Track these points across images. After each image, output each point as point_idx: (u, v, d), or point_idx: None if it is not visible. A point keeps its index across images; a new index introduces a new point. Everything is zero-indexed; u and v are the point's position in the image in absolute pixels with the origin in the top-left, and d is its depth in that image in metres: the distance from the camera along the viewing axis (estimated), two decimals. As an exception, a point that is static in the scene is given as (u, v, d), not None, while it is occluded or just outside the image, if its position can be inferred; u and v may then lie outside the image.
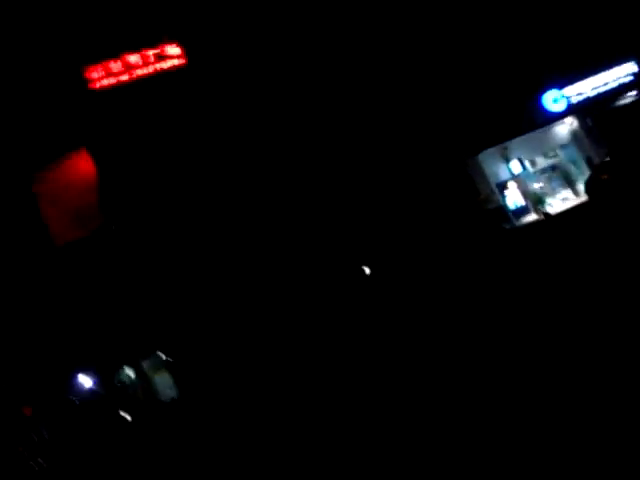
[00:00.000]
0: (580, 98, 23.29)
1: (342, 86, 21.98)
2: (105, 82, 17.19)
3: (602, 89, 23.51)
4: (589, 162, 22.87)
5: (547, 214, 22.08)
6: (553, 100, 23.08)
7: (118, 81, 17.46)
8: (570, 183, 23.64)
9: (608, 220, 11.37)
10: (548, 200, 23.03)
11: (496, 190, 22.88)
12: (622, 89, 23.81)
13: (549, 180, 23.78)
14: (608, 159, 18.33)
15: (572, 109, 23.38)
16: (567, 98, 23.18)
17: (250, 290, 20.03)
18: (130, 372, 23.53)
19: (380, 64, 22.61)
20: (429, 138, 22.59)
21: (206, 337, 20.61)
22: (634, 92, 24.39)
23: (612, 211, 12.06)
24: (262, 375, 13.41)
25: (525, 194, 23.02)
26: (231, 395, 12.82)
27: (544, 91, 23.00)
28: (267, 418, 7.09)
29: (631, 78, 23.97)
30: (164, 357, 22.36)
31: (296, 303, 18.66)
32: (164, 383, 22.90)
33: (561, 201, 23.30)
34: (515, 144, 23.09)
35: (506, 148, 23.19)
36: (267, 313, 18.26)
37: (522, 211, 22.94)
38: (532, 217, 22.81)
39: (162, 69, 17.71)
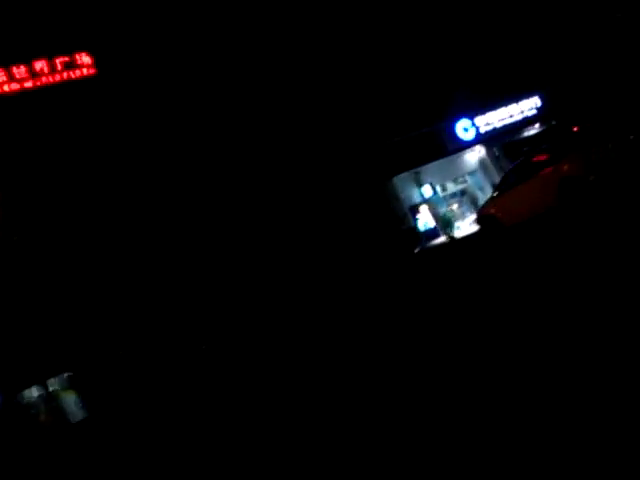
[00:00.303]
0: (488, 128, 24.51)
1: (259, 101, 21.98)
2: (6, 87, 16.25)
3: (508, 121, 24.88)
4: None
5: (452, 237, 22.98)
6: (464, 129, 24.15)
7: (22, 87, 16.57)
8: (477, 207, 24.77)
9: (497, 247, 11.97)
10: (457, 224, 23.97)
11: (409, 212, 23.58)
12: (526, 122, 25.30)
13: (459, 204, 24.79)
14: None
15: (480, 138, 24.56)
16: (476, 127, 24.32)
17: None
18: (36, 391, 22.19)
19: (296, 85, 22.83)
20: (347, 161, 23.02)
21: (117, 352, 19.85)
22: (537, 125, 26.01)
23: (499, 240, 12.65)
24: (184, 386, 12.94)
25: (435, 217, 23.86)
26: (147, 410, 12.22)
27: (456, 120, 24.03)
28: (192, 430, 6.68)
29: (535, 112, 25.53)
30: (70, 375, 21.30)
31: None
32: (72, 402, 21.78)
33: (469, 225, 24.31)
34: (427, 169, 23.94)
35: (418, 172, 23.98)
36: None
37: (432, 233, 23.74)
38: (441, 239, 23.67)
39: (70, 78, 16.97)
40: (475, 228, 22.93)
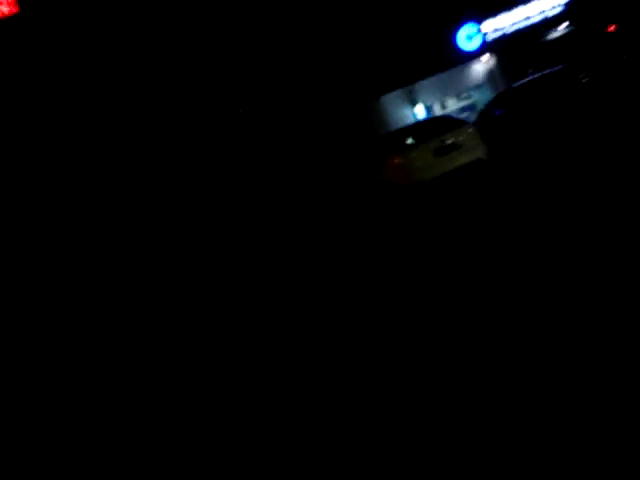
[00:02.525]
0: (497, 35, 21.40)
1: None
2: None
3: (523, 24, 21.54)
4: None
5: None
6: (467, 37, 21.21)
7: None
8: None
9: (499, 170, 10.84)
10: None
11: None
12: (546, 23, 21.83)
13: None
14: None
15: (488, 47, 21.57)
16: (483, 35, 21.30)
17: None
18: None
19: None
20: (330, 78, 20.99)
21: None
22: (565, 24, 22.43)
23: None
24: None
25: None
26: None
27: (457, 27, 21.08)
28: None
29: (558, 10, 21.90)
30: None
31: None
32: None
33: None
34: (424, 85, 21.56)
35: (412, 91, 21.67)
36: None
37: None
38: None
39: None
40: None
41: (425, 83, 21.43)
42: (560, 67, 14.72)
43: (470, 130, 11.29)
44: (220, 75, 19.37)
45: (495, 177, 10.54)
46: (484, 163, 10.89)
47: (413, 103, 21.81)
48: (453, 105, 22.47)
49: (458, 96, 22.47)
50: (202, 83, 19.10)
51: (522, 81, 15.54)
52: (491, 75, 22.27)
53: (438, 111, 22.10)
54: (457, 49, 21.35)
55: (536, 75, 15.24)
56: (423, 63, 20.77)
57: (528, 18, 21.56)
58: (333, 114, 21.12)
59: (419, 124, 13.24)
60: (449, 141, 10.88)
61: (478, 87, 22.46)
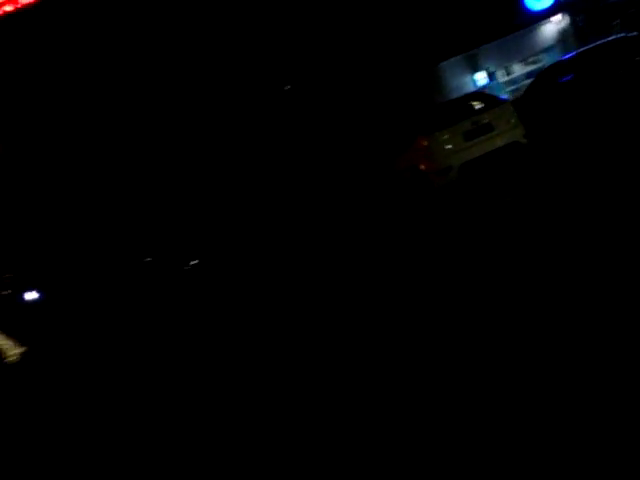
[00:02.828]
0: (571, -8, 19.46)
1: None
2: None
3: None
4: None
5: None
6: (536, -4, 19.43)
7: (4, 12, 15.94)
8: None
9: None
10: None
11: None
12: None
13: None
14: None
15: (561, 6, 19.68)
16: (555, -8, 19.42)
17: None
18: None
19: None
20: (382, 44, 19.91)
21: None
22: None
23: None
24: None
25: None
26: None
27: (525, -15, 19.32)
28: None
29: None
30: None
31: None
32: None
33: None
34: (487, 50, 20.05)
35: (475, 55, 20.22)
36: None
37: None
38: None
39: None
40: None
41: (488, 48, 19.92)
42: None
43: (506, 109, 10.24)
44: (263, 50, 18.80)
45: (534, 166, 9.50)
46: (521, 148, 9.89)
47: (474, 70, 20.37)
48: (519, 70, 20.82)
49: (525, 61, 20.76)
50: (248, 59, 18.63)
51: (601, 41, 13.81)
52: (563, 36, 20.37)
53: (501, 78, 20.56)
54: (525, 9, 19.63)
55: (619, 35, 13.51)
56: (487, 26, 19.29)
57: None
58: (387, 84, 20.15)
59: (453, 102, 12.19)
60: (481, 122, 9.93)
61: (548, 50, 20.64)
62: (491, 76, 20.31)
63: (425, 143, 10.12)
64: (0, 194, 17.58)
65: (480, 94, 14.30)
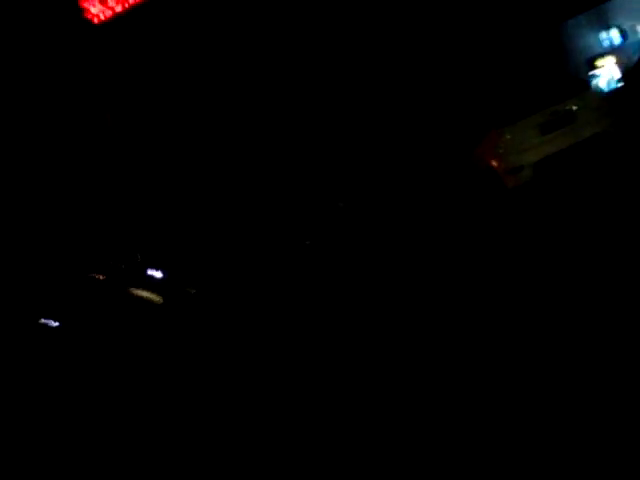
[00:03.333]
0: None
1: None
2: (102, 15, 16.48)
3: None
4: None
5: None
6: None
7: (114, 13, 16.62)
8: None
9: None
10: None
11: (584, 69, 18.01)
12: None
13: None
14: None
15: None
16: None
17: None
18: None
19: None
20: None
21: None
22: None
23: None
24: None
25: (628, 72, 17.75)
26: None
27: None
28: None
29: None
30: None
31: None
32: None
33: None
34: (619, 4, 17.41)
35: (605, 11, 17.65)
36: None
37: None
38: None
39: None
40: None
41: (621, 3, 17.30)
42: None
43: (592, 97, 8.74)
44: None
45: (624, 162, 8.05)
46: (610, 141, 8.43)
47: (606, 27, 17.85)
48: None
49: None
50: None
51: None
52: None
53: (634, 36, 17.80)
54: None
55: None
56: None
57: None
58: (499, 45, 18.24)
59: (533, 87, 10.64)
60: (562, 112, 8.59)
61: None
62: (624, 34, 17.67)
63: (496, 137, 9.03)
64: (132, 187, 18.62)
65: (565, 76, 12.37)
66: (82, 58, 16.71)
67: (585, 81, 17.02)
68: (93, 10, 16.59)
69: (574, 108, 8.57)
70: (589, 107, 8.59)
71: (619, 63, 17.96)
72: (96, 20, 16.72)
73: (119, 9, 16.67)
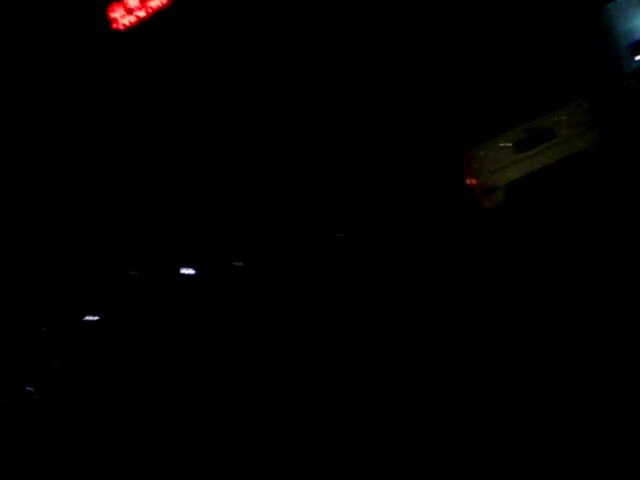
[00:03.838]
0: None
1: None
2: (126, 21, 16.58)
3: None
4: None
5: None
6: None
7: (138, 18, 16.65)
8: None
9: None
10: None
11: (625, 55, 16.48)
12: None
13: None
14: None
15: None
16: None
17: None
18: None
19: None
20: None
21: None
22: None
23: None
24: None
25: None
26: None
27: None
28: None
29: None
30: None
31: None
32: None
33: None
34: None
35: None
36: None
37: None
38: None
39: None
40: None
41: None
42: None
43: (576, 108, 7.85)
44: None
45: (606, 184, 7.23)
46: (592, 158, 7.57)
47: (651, 8, 16.24)
48: None
49: None
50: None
51: None
52: None
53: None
54: None
55: None
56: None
57: None
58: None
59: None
60: (540, 127, 7.80)
61: None
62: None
63: (470, 155, 8.34)
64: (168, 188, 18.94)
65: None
66: (109, 66, 17.06)
67: (621, 66, 15.68)
68: (121, 19, 16.81)
69: (555, 121, 7.74)
70: (571, 122, 7.73)
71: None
72: (122, 27, 16.92)
73: (142, 14, 16.79)
